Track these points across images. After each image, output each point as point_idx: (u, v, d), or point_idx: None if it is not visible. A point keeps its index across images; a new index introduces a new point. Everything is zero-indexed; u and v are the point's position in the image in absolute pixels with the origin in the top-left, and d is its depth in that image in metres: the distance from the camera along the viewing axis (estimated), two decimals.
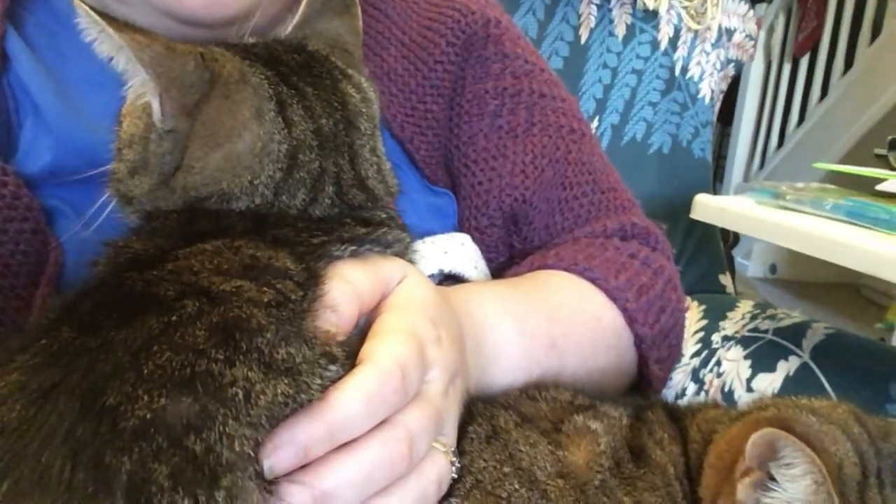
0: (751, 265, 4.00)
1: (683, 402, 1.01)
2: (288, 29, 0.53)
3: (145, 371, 0.33)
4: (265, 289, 0.39)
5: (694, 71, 1.22)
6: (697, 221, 1.13)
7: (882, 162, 0.96)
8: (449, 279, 0.68)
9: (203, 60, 0.44)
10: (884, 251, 0.75)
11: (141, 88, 0.45)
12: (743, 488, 0.45)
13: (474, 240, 0.74)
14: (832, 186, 0.95)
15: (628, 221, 0.78)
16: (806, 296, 3.73)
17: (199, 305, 0.36)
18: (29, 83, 0.62)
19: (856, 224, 0.84)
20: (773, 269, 4.09)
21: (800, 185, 0.92)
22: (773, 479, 0.44)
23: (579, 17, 1.19)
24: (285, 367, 0.36)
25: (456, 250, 0.70)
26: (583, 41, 1.19)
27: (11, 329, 0.56)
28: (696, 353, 1.08)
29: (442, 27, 0.75)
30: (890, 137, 0.92)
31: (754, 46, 1.30)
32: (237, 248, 0.41)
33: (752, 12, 1.29)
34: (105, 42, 0.44)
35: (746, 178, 4.14)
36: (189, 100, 0.44)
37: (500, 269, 0.75)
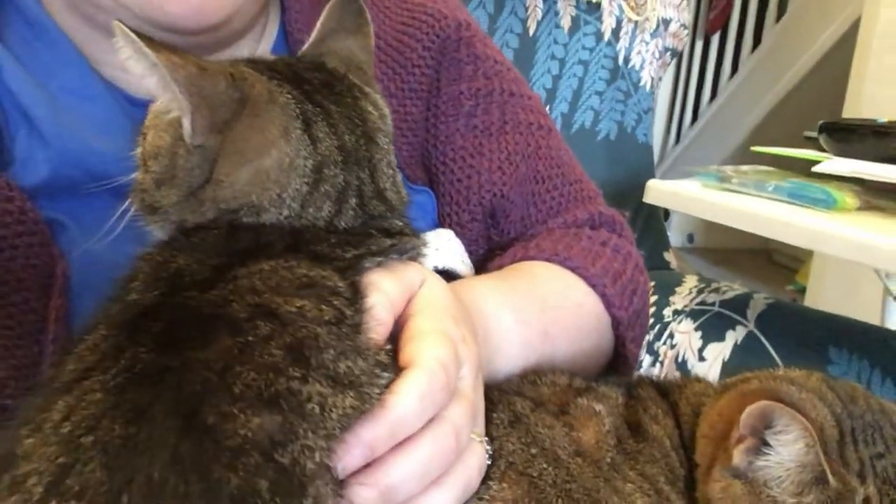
0: (670, 235, 4.18)
1: (640, 373, 1.08)
2: (303, 47, 0.55)
3: (236, 391, 0.35)
4: (324, 307, 0.41)
5: (635, 60, 1.28)
6: (643, 204, 1.20)
7: (812, 143, 1.05)
8: (439, 274, 0.72)
9: (233, 80, 0.46)
10: (825, 228, 0.83)
11: (171, 105, 0.46)
12: (738, 454, 0.51)
13: (456, 234, 0.77)
14: (772, 169, 1.03)
15: (596, 211, 0.83)
16: (721, 262, 3.93)
17: (271, 327, 0.39)
18: (19, 94, 0.62)
19: (795, 204, 0.92)
20: (690, 238, 4.29)
21: (744, 168, 1.00)
22: (766, 444, 0.50)
23: (527, 9, 1.24)
24: (348, 380, 0.39)
25: (445, 246, 0.73)
26: (531, 33, 1.24)
27: (27, 340, 0.57)
28: (650, 328, 1.16)
29: (417, 32, 0.77)
30: (821, 122, 1.01)
31: (688, 34, 1.37)
32: (291, 268, 0.43)
33: (685, 2, 1.36)
34: (139, 61, 0.45)
35: (663, 153, 4.30)
36: (219, 118, 0.46)
37: (481, 261, 0.79)
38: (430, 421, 0.43)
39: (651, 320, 1.16)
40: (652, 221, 1.27)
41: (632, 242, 0.86)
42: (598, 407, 0.56)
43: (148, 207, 0.48)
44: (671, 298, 1.16)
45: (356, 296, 0.44)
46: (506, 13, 1.22)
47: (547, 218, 0.82)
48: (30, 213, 0.58)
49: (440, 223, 0.80)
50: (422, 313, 0.49)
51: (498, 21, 1.21)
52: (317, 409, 0.37)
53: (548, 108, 1.23)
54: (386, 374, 0.42)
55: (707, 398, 0.58)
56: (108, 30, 0.46)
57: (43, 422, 0.36)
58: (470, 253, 0.79)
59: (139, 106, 0.55)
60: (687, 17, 1.35)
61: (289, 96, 0.48)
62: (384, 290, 0.47)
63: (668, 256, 1.31)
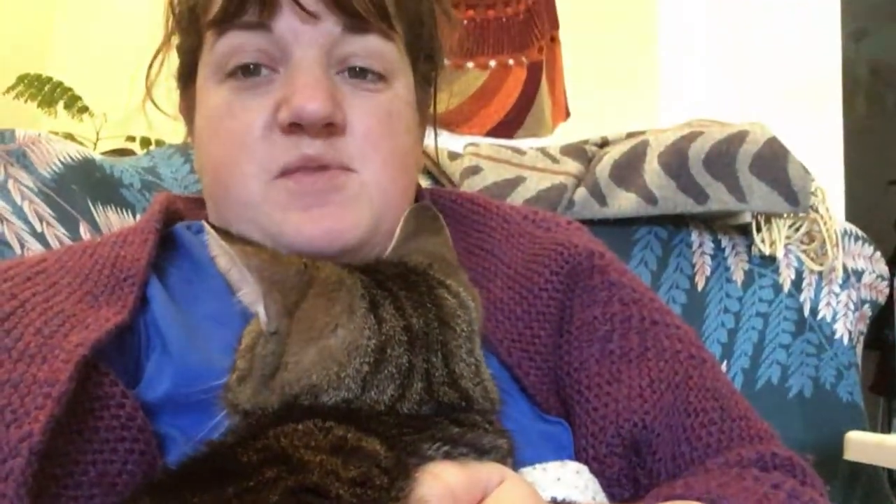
0: None
1: None
2: (386, 252, 0.57)
3: None
4: (351, 467, 0.37)
5: (825, 312, 1.17)
6: (861, 470, 1.01)
7: None
8: None
9: (305, 267, 0.48)
10: None
11: (251, 297, 0.48)
12: None
13: (593, 471, 0.68)
14: None
15: (767, 451, 0.70)
16: None
17: (278, 472, 0.35)
18: (160, 320, 0.68)
19: None
20: None
21: None
22: None
23: (693, 266, 1.20)
24: None
25: (570, 477, 0.64)
26: (699, 288, 1.18)
27: None
28: None
29: (546, 259, 0.77)
30: None
31: (889, 286, 1.24)
32: (328, 429, 0.40)
33: (878, 254, 1.26)
34: (222, 257, 0.49)
35: None
36: (290, 300, 0.47)
37: None
38: None
39: None
40: (875, 492, 1.04)
41: (821, 493, 0.69)
42: None
43: (231, 406, 0.49)
44: None
45: (399, 470, 0.39)
46: (670, 269, 1.19)
47: (704, 457, 0.70)
48: (137, 421, 0.59)
49: (577, 458, 0.71)
50: None
51: (661, 278, 1.19)
52: None
53: (725, 363, 1.12)
54: None
55: None
56: None
57: None
58: (612, 495, 0.68)
59: None
60: (883, 269, 1.23)
61: (357, 280, 0.49)
62: (442, 477, 0.40)
63: None
